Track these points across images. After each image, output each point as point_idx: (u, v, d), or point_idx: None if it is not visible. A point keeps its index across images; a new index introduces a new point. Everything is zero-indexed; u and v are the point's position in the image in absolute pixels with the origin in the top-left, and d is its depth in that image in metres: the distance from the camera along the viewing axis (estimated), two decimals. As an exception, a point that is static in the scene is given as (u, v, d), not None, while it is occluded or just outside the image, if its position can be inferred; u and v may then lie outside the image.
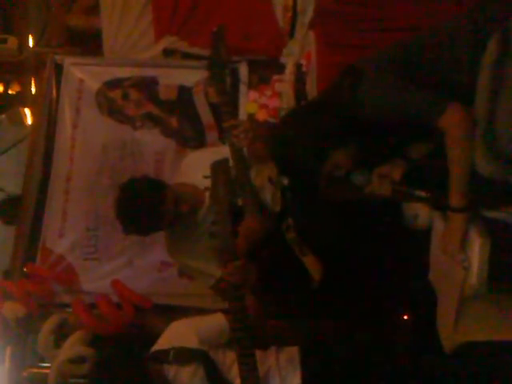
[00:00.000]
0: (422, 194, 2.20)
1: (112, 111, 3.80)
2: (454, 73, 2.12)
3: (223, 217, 2.27)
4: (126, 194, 2.56)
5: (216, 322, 2.43)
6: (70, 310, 3.39)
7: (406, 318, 2.41)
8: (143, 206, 2.49)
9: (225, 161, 2.35)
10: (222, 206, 2.28)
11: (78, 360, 3.12)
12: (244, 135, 2.55)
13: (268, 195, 2.62)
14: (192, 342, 2.35)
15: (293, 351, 2.44)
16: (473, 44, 2.09)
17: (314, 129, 2.19)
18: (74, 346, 3.15)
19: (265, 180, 2.61)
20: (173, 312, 3.20)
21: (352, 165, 2.21)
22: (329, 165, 2.19)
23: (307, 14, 3.39)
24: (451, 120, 2.04)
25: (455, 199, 2.08)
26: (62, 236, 3.65)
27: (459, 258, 2.05)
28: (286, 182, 2.53)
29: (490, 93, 2.01)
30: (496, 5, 2.12)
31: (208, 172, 2.34)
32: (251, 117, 3.59)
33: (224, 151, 2.64)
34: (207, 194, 2.46)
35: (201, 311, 2.94)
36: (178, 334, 2.40)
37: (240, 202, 2.53)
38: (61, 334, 3.28)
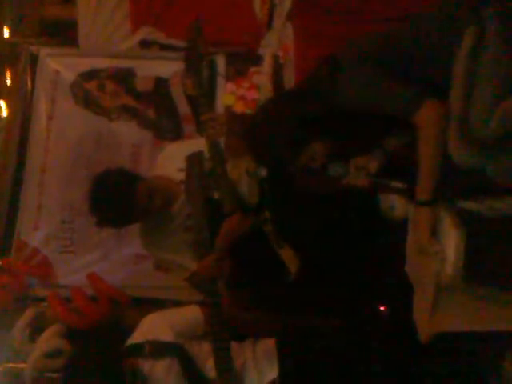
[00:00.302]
0: (399, 185, 2.20)
1: (88, 102, 3.77)
2: (431, 64, 2.12)
3: (197, 210, 2.25)
4: (99, 186, 2.54)
5: (191, 315, 2.42)
6: (46, 303, 3.36)
7: (382, 309, 2.40)
8: (115, 198, 2.47)
9: (199, 154, 2.33)
10: (196, 200, 2.27)
11: (54, 354, 3.09)
12: (220, 128, 2.54)
13: (245, 188, 2.60)
14: (167, 336, 2.33)
15: (269, 343, 2.43)
16: (450, 35, 2.09)
17: (290, 119, 2.17)
18: (49, 339, 3.11)
19: (242, 173, 2.60)
20: (149, 305, 3.19)
21: (329, 156, 2.20)
22: (305, 156, 2.18)
23: (285, 5, 3.37)
24: (425, 117, 2.04)
25: (421, 193, 2.09)
26: (37, 228, 3.62)
27: (431, 249, 2.05)
28: (263, 173, 2.51)
29: (465, 82, 2.02)
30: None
31: (183, 165, 2.32)
32: (229, 109, 3.57)
33: (201, 143, 2.62)
34: (182, 186, 2.45)
35: (177, 303, 2.92)
36: (152, 328, 2.38)
37: (216, 195, 2.51)
38: (36, 328, 3.25)
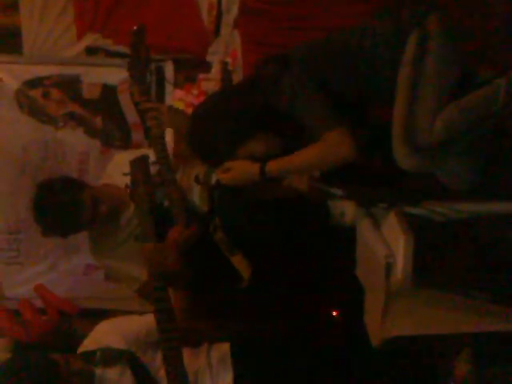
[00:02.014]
0: (338, 191, 2.23)
1: (33, 111, 3.71)
2: (375, 71, 2.15)
3: (144, 217, 2.18)
4: (43, 195, 2.51)
5: (144, 322, 2.39)
6: (-8, 317, 3.27)
7: (334, 314, 2.42)
8: (60, 206, 2.44)
9: (144, 157, 2.26)
10: (142, 206, 2.19)
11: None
12: (162, 119, 2.50)
13: (195, 195, 2.59)
14: (118, 343, 2.29)
15: (224, 348, 2.41)
16: (394, 41, 2.12)
17: (229, 115, 2.17)
18: (-4, 354, 3.04)
19: (191, 180, 2.58)
20: (99, 316, 3.14)
21: (270, 156, 2.19)
22: (243, 154, 2.17)
23: (232, 13, 3.38)
24: (330, 138, 2.08)
25: (270, 165, 2.15)
26: (-17, 240, 3.55)
27: (383, 253, 2.08)
28: (214, 179, 2.50)
29: (410, 88, 2.05)
30: (415, 2, 2.17)
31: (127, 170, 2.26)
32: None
33: (151, 153, 2.59)
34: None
35: (128, 314, 2.88)
36: (104, 335, 2.34)
37: (166, 203, 2.49)
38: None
